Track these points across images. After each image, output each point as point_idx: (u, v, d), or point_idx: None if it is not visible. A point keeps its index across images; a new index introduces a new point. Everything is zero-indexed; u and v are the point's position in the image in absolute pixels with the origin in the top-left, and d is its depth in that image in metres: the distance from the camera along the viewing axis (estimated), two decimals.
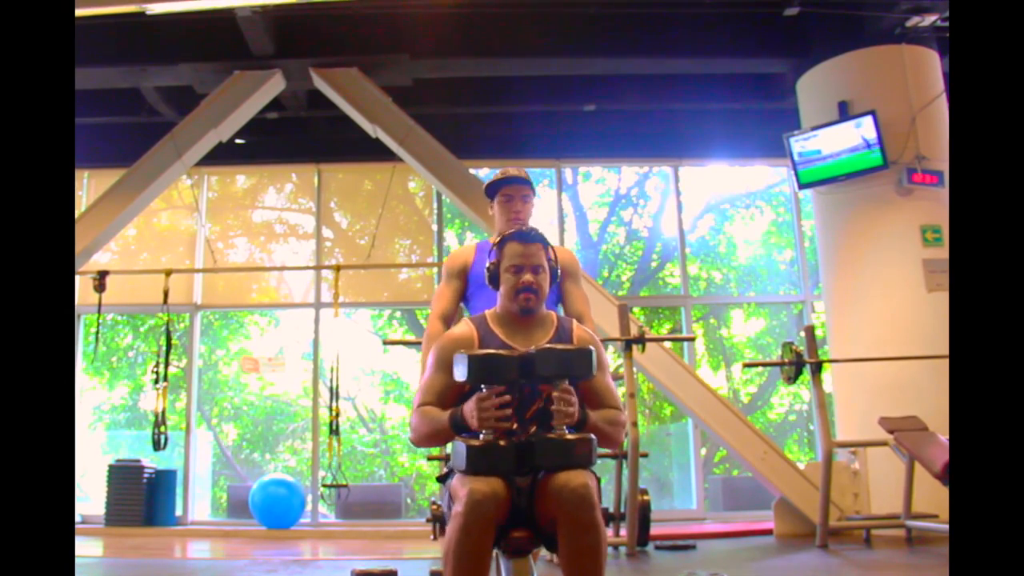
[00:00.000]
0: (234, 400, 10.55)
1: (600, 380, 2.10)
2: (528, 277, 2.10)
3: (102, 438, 9.55)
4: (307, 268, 8.65)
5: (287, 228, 9.29)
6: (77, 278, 6.98)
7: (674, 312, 9.62)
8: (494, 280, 2.17)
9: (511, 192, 2.46)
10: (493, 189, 2.50)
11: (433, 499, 4.61)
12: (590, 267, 6.92)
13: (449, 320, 2.46)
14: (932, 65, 6.45)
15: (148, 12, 5.76)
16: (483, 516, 1.83)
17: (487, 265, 2.20)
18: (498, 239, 2.19)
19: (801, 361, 5.32)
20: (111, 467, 7.27)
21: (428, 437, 2.09)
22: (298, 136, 8.32)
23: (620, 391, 3.89)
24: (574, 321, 2.25)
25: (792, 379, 5.40)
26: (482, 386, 1.96)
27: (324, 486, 6.84)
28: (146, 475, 7.17)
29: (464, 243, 9.45)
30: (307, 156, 8.46)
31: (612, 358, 5.36)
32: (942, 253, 6.03)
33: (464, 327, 2.18)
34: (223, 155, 7.39)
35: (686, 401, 6.29)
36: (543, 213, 8.78)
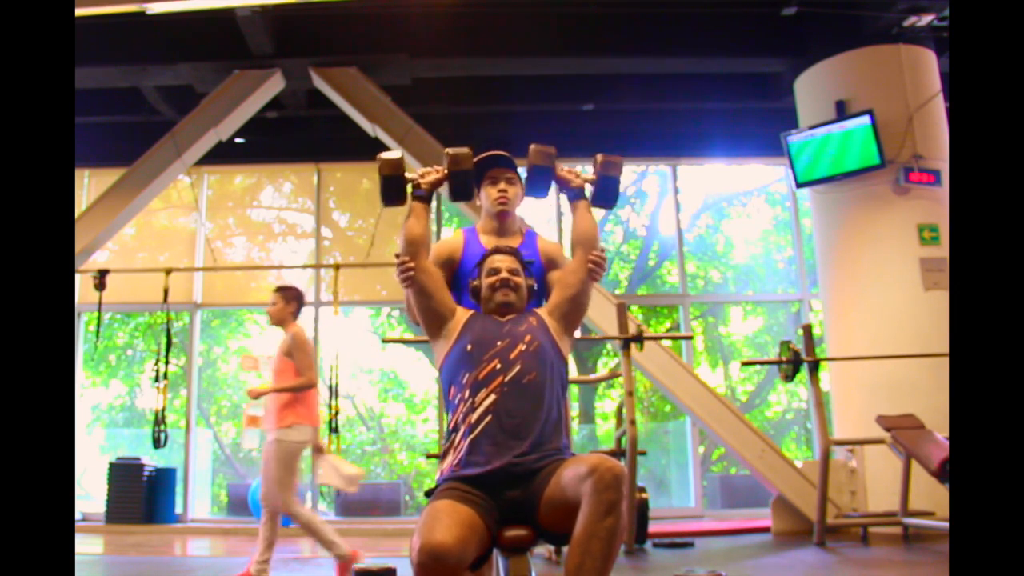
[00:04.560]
0: (233, 398, 10.56)
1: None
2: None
3: (100, 436, 9.56)
4: (306, 267, 8.67)
5: (286, 227, 9.31)
6: (77, 277, 7.00)
7: (672, 310, 9.65)
8: (476, 295, 2.29)
9: (495, 174, 2.48)
10: (477, 174, 2.51)
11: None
12: None
13: None
14: (929, 65, 6.46)
15: (148, 12, 5.77)
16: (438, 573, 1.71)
17: (471, 282, 2.30)
18: (480, 260, 2.31)
19: (799, 359, 5.33)
20: (111, 465, 7.28)
21: (404, 226, 2.25)
22: (297, 135, 8.33)
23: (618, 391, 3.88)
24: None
25: (790, 377, 5.42)
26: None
27: (323, 484, 6.85)
28: (146, 473, 7.18)
29: None
30: (306, 155, 8.47)
31: (611, 356, 5.37)
32: (939, 252, 6.04)
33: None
34: (223, 154, 7.40)
35: (684, 399, 6.30)
36: (542, 212, 8.80)
